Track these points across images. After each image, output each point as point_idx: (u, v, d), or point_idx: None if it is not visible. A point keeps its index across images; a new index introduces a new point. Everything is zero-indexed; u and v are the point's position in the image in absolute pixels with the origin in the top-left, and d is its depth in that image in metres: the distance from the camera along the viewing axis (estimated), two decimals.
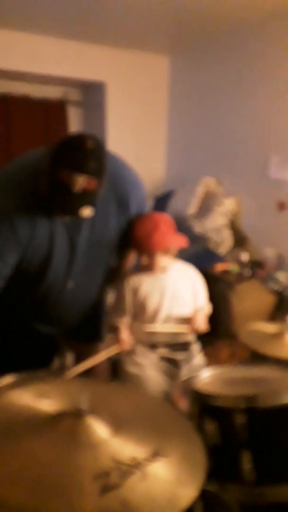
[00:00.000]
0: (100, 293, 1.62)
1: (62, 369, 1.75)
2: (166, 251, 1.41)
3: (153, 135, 3.85)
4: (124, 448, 0.69)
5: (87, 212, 1.23)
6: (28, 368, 1.30)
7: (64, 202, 1.20)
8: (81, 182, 1.16)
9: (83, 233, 1.38)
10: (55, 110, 3.68)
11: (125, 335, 1.45)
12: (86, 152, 1.15)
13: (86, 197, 1.20)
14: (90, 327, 1.69)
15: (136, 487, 0.62)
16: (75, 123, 3.87)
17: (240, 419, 0.95)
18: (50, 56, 3.25)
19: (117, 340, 1.45)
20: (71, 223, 1.35)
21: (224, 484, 0.95)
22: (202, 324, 1.47)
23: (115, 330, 1.49)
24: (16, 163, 1.36)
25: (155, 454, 0.68)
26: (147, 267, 1.44)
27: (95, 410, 0.74)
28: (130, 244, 1.45)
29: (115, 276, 1.58)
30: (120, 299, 1.50)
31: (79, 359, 1.74)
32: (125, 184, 1.40)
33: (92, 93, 3.74)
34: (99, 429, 0.71)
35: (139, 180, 1.47)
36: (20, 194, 1.26)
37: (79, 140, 1.17)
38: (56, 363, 1.76)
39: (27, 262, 1.36)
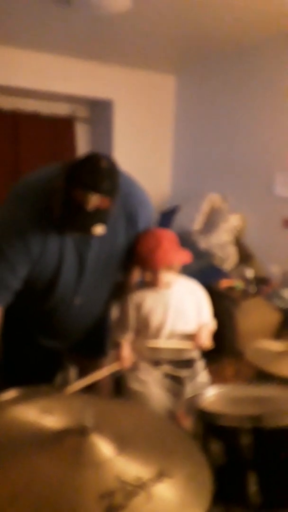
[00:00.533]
0: (105, 308, 1.61)
1: (65, 384, 1.74)
2: (169, 267, 1.41)
3: (159, 151, 3.90)
4: (128, 467, 0.68)
5: (99, 230, 1.25)
6: (31, 382, 1.29)
7: (77, 220, 1.22)
8: (94, 200, 1.18)
9: (92, 250, 1.39)
10: (63, 126, 3.74)
11: (127, 352, 1.44)
12: (100, 172, 1.18)
13: (99, 215, 1.22)
14: (94, 342, 1.69)
15: (141, 508, 0.61)
16: (82, 140, 3.93)
17: (246, 439, 0.94)
18: (59, 74, 3.32)
19: (118, 357, 1.44)
20: (81, 240, 1.36)
21: (229, 507, 0.93)
22: (206, 340, 1.46)
23: (117, 346, 1.48)
24: (30, 180, 1.38)
25: (160, 475, 0.67)
26: (150, 283, 1.44)
27: (99, 428, 0.73)
28: (134, 260, 1.45)
29: (120, 291, 1.58)
30: (123, 315, 1.49)
31: (82, 374, 1.73)
32: (134, 202, 1.42)
33: (99, 110, 3.81)
34: (104, 447, 0.70)
35: (147, 198, 1.50)
36: (33, 210, 1.28)
37: (93, 160, 1.20)
38: (59, 378, 1.75)
39: (36, 277, 1.36)
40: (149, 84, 3.72)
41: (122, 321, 1.49)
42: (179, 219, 3.40)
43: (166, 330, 1.45)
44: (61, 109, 3.74)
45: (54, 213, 1.24)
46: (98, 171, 1.18)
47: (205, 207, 3.29)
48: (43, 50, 3.18)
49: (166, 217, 3.50)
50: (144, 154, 3.78)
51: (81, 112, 3.87)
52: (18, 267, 1.31)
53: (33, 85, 3.26)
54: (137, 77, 3.65)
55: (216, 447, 0.96)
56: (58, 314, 1.49)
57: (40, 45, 3.08)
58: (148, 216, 1.49)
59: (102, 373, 1.40)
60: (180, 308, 1.46)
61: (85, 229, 1.25)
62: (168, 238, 1.42)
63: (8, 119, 3.48)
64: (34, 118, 3.58)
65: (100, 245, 1.40)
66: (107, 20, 2.52)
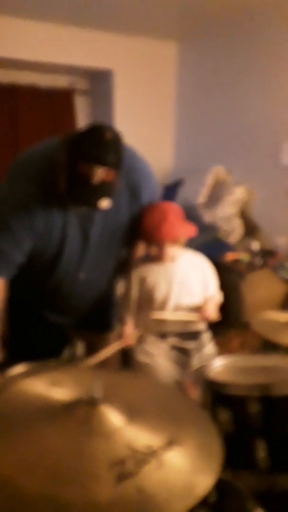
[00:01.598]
0: (110, 283, 1.61)
1: (73, 358, 1.76)
2: (175, 241, 1.40)
3: (161, 123, 3.81)
4: (139, 436, 0.69)
5: (105, 203, 1.23)
6: (39, 357, 1.31)
7: (82, 194, 1.21)
8: (100, 174, 1.16)
9: (96, 224, 1.37)
10: (62, 99, 3.65)
11: (130, 329, 1.45)
12: (105, 144, 1.15)
13: (104, 189, 1.20)
14: (100, 317, 1.70)
15: (152, 476, 0.62)
16: (82, 112, 3.84)
17: (254, 408, 0.95)
18: (57, 44, 3.21)
19: (121, 334, 1.45)
20: (84, 214, 1.34)
21: (237, 472, 0.95)
22: (212, 312, 1.46)
23: (121, 321, 1.49)
24: (31, 154, 1.35)
25: (171, 443, 0.68)
26: (156, 258, 1.43)
27: (108, 399, 0.74)
28: (139, 235, 1.44)
29: (124, 266, 1.57)
30: (127, 290, 1.49)
31: (89, 349, 1.76)
32: (137, 175, 1.39)
33: (99, 82, 3.70)
34: (114, 417, 0.71)
35: (151, 172, 1.47)
36: (37, 183, 1.26)
37: (98, 132, 1.17)
38: (66, 353, 1.77)
39: (40, 252, 1.36)
40: (150, 52, 3.59)
41: (126, 296, 1.49)
42: (183, 193, 3.35)
43: (171, 304, 1.45)
44: (59, 82, 3.64)
45: (58, 188, 1.22)
46: (103, 143, 1.15)
47: (209, 180, 3.23)
48: (39, 19, 3.06)
49: (170, 191, 3.45)
50: (146, 126, 3.69)
51: (81, 84, 3.77)
52: (23, 241, 1.30)
53: (30, 56, 3.16)
54: (137, 45, 3.52)
55: (224, 415, 0.97)
56: (63, 289, 1.49)
57: (36, 13, 2.96)
58: (152, 190, 1.47)
59: (106, 352, 1.40)
60: (185, 281, 1.46)
61: (91, 203, 1.23)
62: (173, 211, 1.40)
63: (5, 92, 3.40)
64: (32, 91, 3.49)
65: (104, 220, 1.38)
66: None
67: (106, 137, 1.16)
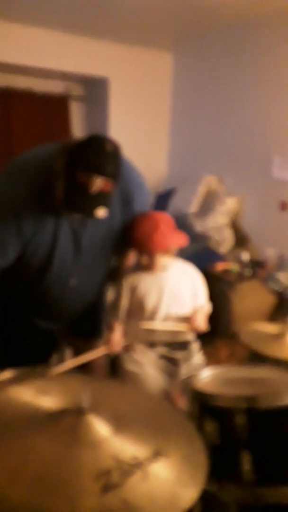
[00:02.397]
0: (100, 290, 1.61)
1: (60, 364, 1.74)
2: (166, 251, 1.40)
3: (155, 131, 3.84)
4: (125, 447, 0.69)
5: (101, 213, 1.25)
6: (27, 363, 1.29)
7: (80, 202, 1.22)
8: (98, 183, 1.18)
9: (88, 231, 1.38)
10: (57, 104, 3.66)
11: (117, 336, 1.44)
12: (105, 155, 1.18)
13: (102, 198, 1.22)
14: (90, 324, 1.69)
15: (137, 487, 0.61)
16: (77, 118, 3.85)
17: (240, 420, 0.95)
18: (53, 50, 3.22)
19: (108, 340, 1.44)
20: (77, 221, 1.35)
21: (223, 484, 0.95)
22: (201, 323, 1.46)
23: (109, 328, 1.48)
24: (27, 157, 1.35)
25: (156, 454, 0.68)
26: (147, 267, 1.43)
27: (96, 408, 0.74)
28: (130, 244, 1.44)
29: (115, 274, 1.58)
30: (117, 297, 1.49)
31: (77, 355, 1.74)
32: (131, 184, 1.41)
33: (95, 89, 3.72)
34: (100, 427, 0.71)
35: (144, 181, 1.50)
36: (29, 188, 1.26)
37: (98, 143, 1.19)
38: (54, 359, 1.75)
39: (30, 256, 1.36)
40: (146, 61, 3.63)
41: (116, 304, 1.49)
42: (175, 202, 3.37)
43: (161, 313, 1.45)
44: (55, 87, 3.66)
45: (55, 194, 1.23)
46: (103, 154, 1.18)
47: (201, 190, 3.26)
48: (37, 24, 3.08)
49: (162, 199, 3.47)
50: (140, 134, 3.72)
51: (76, 90, 3.78)
52: (8, 247, 1.30)
53: (26, 61, 3.16)
54: (133, 54, 3.55)
55: (211, 427, 0.97)
56: (54, 294, 1.49)
57: (34, 19, 2.98)
58: (144, 200, 1.49)
59: (90, 355, 1.40)
60: (175, 291, 1.46)
61: (88, 211, 1.24)
62: (165, 221, 1.41)
63: (0, 96, 3.40)
64: (27, 96, 3.50)
65: (96, 227, 1.39)
66: None
67: (106, 148, 1.18)
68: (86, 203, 1.22)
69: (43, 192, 1.25)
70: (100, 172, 1.17)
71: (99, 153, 1.17)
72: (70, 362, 1.38)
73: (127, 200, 1.40)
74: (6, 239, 1.28)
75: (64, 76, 3.53)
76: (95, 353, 1.42)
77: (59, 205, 1.24)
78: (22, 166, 1.32)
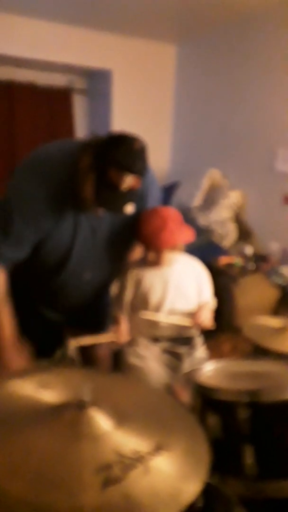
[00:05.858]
0: (109, 283, 1.62)
1: (64, 359, 1.76)
2: (173, 248, 1.40)
3: (158, 125, 3.81)
4: (126, 441, 0.68)
5: (130, 209, 1.27)
6: (33, 357, 1.30)
7: (111, 199, 1.24)
8: (129, 181, 1.20)
9: (105, 226, 1.39)
10: (60, 98, 3.64)
11: (124, 327, 1.44)
12: (135, 153, 1.20)
13: (130, 195, 1.25)
14: (95, 316, 1.70)
15: (138, 481, 0.61)
16: (80, 112, 3.83)
17: (243, 414, 0.94)
18: (56, 43, 3.20)
19: (115, 331, 1.45)
20: (95, 217, 1.35)
21: (225, 478, 0.95)
22: (206, 320, 1.46)
23: (116, 321, 1.48)
24: (50, 153, 1.34)
25: (158, 448, 0.68)
26: (153, 263, 1.43)
27: (97, 402, 0.73)
28: (138, 239, 1.44)
29: (121, 267, 1.57)
30: (121, 290, 1.49)
31: (81, 348, 1.75)
32: (146, 179, 1.41)
33: (97, 82, 3.70)
34: (102, 421, 0.71)
35: (156, 179, 1.52)
36: (50, 184, 1.26)
37: (128, 141, 1.21)
38: (58, 353, 1.76)
39: (49, 252, 1.36)
40: (149, 53, 3.60)
41: (121, 297, 1.48)
42: (179, 195, 3.36)
43: (165, 308, 1.45)
44: (57, 80, 3.63)
45: (83, 191, 1.24)
46: (134, 152, 1.20)
47: (205, 183, 3.24)
48: (40, 17, 3.05)
49: (166, 193, 3.45)
50: (143, 127, 3.67)
51: (79, 83, 3.76)
52: (25, 243, 1.31)
53: (29, 54, 3.14)
54: (136, 46, 3.52)
55: (213, 420, 0.97)
56: (67, 288, 1.50)
57: (36, 11, 2.95)
58: (157, 195, 1.51)
59: (95, 339, 1.41)
60: (180, 285, 1.46)
61: (118, 208, 1.26)
62: (173, 217, 1.40)
63: (3, 89, 3.39)
64: (30, 89, 3.48)
65: (112, 222, 1.40)
66: None
67: (136, 146, 1.20)
68: (117, 200, 1.24)
69: (65, 189, 1.25)
70: (132, 170, 1.19)
71: (130, 152, 1.19)
72: (76, 341, 1.39)
73: (141, 195, 1.41)
74: (25, 236, 1.29)
75: (66, 69, 3.51)
76: (101, 338, 1.43)
77: (86, 202, 1.25)
78: (43, 163, 1.30)
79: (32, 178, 1.28)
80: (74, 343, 1.39)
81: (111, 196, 1.23)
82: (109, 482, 0.60)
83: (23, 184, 1.28)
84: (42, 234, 1.31)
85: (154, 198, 1.47)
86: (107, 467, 0.62)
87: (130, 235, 1.45)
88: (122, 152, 1.19)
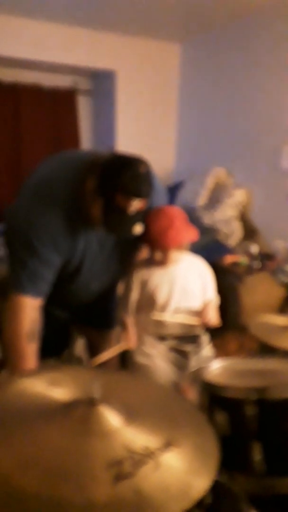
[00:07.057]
0: (116, 284, 1.64)
1: (72, 358, 1.77)
2: (180, 247, 1.41)
3: (163, 124, 3.81)
4: (136, 437, 0.69)
5: (138, 229, 1.28)
6: (40, 355, 1.32)
7: (119, 223, 1.26)
8: (136, 205, 1.22)
9: (112, 240, 1.41)
10: (64, 99, 3.66)
11: (132, 331, 1.46)
12: (141, 178, 1.21)
13: (138, 216, 1.26)
14: (102, 315, 1.72)
15: (149, 477, 0.62)
16: (84, 112, 3.85)
17: (250, 411, 0.95)
18: (60, 44, 3.21)
19: (124, 337, 1.46)
20: (103, 233, 1.36)
21: (233, 475, 0.95)
22: (213, 318, 1.46)
23: (122, 323, 1.49)
24: (54, 176, 1.33)
25: (168, 444, 0.68)
26: (160, 262, 1.44)
27: (107, 399, 0.74)
28: (144, 239, 1.44)
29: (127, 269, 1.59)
30: (127, 291, 1.50)
31: (90, 345, 1.77)
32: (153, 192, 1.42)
33: (102, 82, 3.71)
34: (112, 418, 0.72)
35: (163, 188, 1.54)
36: (63, 207, 1.27)
37: (133, 166, 1.21)
38: (66, 352, 1.78)
39: (62, 268, 1.37)
40: (153, 53, 3.60)
41: (127, 298, 1.50)
42: (183, 194, 3.36)
43: (171, 307, 1.45)
44: (62, 81, 3.65)
45: (91, 215, 1.26)
46: (140, 177, 1.20)
47: (209, 182, 3.24)
48: (43, 18, 3.07)
49: (171, 193, 3.46)
50: (148, 126, 3.70)
51: (83, 84, 3.77)
52: (51, 261, 1.31)
53: (33, 56, 3.16)
54: (140, 46, 3.53)
55: (221, 418, 0.97)
56: (75, 295, 1.53)
57: (40, 13, 2.96)
58: (162, 203, 1.50)
59: (108, 354, 1.43)
60: (185, 285, 1.46)
61: (127, 231, 1.28)
62: (179, 217, 1.40)
63: (8, 91, 3.41)
64: (35, 90, 3.50)
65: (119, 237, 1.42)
66: None
67: (141, 171, 1.21)
68: (125, 223, 1.26)
69: (73, 214, 1.27)
70: (140, 195, 1.20)
71: (137, 177, 1.19)
72: (91, 361, 1.41)
73: (147, 206, 1.42)
74: (47, 257, 1.29)
75: (71, 70, 3.52)
76: (112, 351, 1.45)
77: (95, 222, 1.27)
78: (50, 186, 1.30)
79: (39, 204, 1.27)
80: (95, 363, 1.42)
81: (119, 220, 1.25)
82: (120, 477, 0.61)
83: (34, 214, 1.27)
84: (63, 254, 1.32)
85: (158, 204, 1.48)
86: (118, 462, 0.63)
87: (136, 240, 1.45)
88: (129, 177, 1.18)
